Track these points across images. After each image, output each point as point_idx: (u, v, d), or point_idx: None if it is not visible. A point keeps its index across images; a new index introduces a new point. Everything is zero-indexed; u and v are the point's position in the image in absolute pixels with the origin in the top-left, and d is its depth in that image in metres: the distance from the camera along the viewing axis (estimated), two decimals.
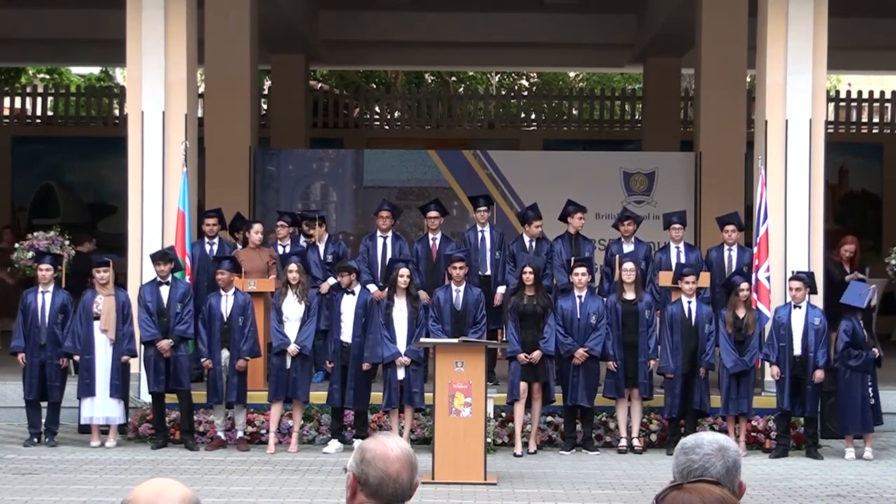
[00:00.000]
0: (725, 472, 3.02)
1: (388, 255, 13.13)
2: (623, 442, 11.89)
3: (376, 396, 11.89)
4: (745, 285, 12.06)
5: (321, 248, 13.34)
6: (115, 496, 9.45)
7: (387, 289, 12.05)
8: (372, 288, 12.78)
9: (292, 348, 11.65)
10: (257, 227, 13.35)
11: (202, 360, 11.76)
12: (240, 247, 13.69)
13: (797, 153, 13.07)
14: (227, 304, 11.86)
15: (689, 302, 11.94)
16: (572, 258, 12.50)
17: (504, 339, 12.50)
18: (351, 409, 11.79)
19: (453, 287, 11.81)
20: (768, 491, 10.01)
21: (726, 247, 13.28)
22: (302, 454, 11.53)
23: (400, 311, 11.59)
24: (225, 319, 11.81)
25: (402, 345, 11.49)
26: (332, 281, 12.52)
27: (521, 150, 20.82)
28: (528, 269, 11.79)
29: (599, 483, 10.35)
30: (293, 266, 11.85)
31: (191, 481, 10.01)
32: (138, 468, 10.72)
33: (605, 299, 12.21)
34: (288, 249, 13.20)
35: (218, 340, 11.76)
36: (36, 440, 11.88)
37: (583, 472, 10.81)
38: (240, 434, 11.86)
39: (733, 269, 13.16)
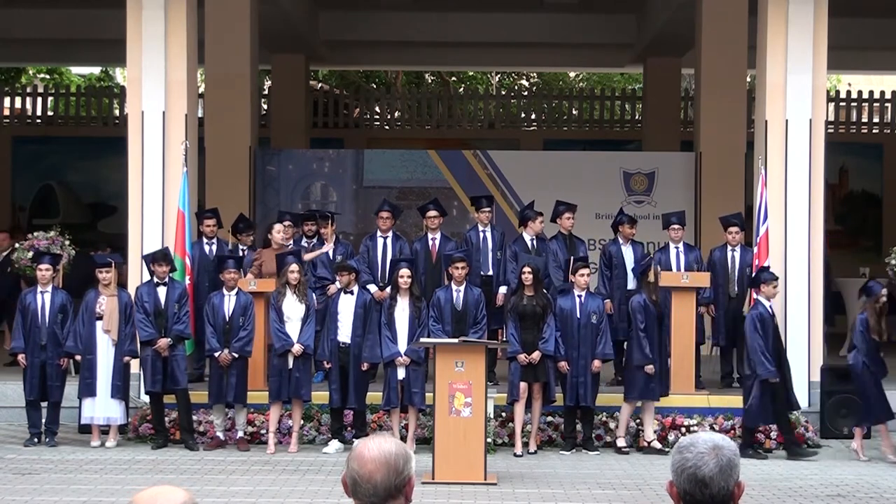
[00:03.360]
0: (719, 471, 3.04)
1: (389, 256, 13.14)
2: (622, 441, 11.84)
3: (376, 396, 11.89)
4: (884, 292, 12.02)
5: (330, 247, 13.34)
6: (115, 496, 9.45)
7: (389, 289, 12.03)
8: (372, 288, 12.78)
9: (297, 348, 11.66)
10: (278, 227, 13.28)
11: (217, 354, 11.69)
12: (241, 247, 13.68)
13: (797, 153, 13.07)
14: (229, 303, 11.86)
15: (771, 305, 11.80)
16: (571, 258, 12.49)
17: (504, 339, 12.50)
18: (353, 408, 11.78)
19: (453, 287, 11.80)
20: (768, 491, 10.00)
21: (729, 247, 13.29)
22: (302, 454, 11.53)
23: (402, 311, 11.59)
24: (227, 319, 11.81)
25: (403, 345, 11.49)
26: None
27: (521, 150, 20.84)
28: (526, 269, 11.78)
29: (599, 483, 10.34)
30: (295, 266, 11.86)
31: (191, 481, 10.02)
32: (138, 468, 10.72)
33: (629, 301, 12.10)
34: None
35: (221, 340, 11.76)
36: (36, 440, 11.88)
37: (583, 472, 10.80)
38: (240, 434, 11.85)
39: (736, 270, 13.18)
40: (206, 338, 11.90)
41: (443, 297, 11.76)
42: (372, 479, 2.97)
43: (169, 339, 11.77)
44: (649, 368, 11.68)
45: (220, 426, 11.88)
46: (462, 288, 11.78)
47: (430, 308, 11.74)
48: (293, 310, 11.76)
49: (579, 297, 11.91)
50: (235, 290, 11.93)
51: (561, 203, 13.49)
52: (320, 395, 12.03)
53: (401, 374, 11.48)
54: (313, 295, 12.34)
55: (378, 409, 11.88)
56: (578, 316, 11.84)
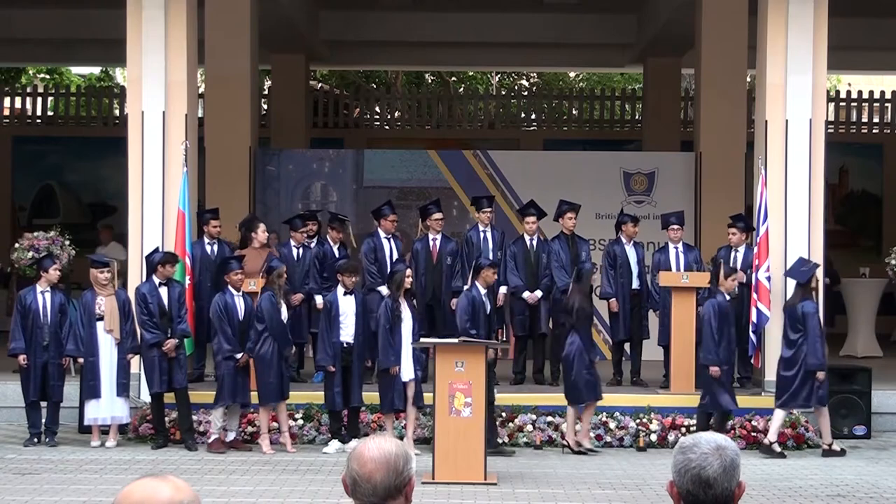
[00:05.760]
0: (722, 472, 3.04)
1: (395, 257, 13.18)
2: (777, 448, 11.72)
3: (372, 396, 11.86)
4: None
5: (335, 250, 13.37)
6: (115, 496, 9.43)
7: (390, 290, 11.94)
8: (384, 290, 12.76)
9: (292, 350, 11.74)
10: (263, 226, 13.34)
11: (240, 357, 11.61)
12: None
13: (797, 153, 13.06)
14: (241, 304, 11.84)
15: None
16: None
17: (504, 339, 12.49)
18: (355, 407, 11.76)
19: (481, 289, 11.73)
20: (768, 491, 10.01)
21: (733, 247, 13.30)
22: (302, 454, 11.53)
23: (406, 312, 11.57)
24: (240, 319, 11.79)
25: (408, 347, 11.42)
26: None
27: (521, 150, 20.83)
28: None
29: (599, 483, 10.35)
30: (284, 267, 11.94)
31: (191, 481, 9.93)
32: (138, 468, 10.71)
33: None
34: (301, 252, 13.38)
35: (238, 341, 11.73)
36: (36, 440, 11.88)
37: (583, 472, 10.81)
38: (232, 436, 11.80)
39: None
40: (218, 340, 11.74)
41: (476, 300, 11.64)
42: (372, 479, 2.98)
43: (176, 341, 11.77)
44: (821, 375, 11.64)
45: (217, 427, 11.81)
46: (486, 290, 11.78)
47: (458, 311, 11.59)
48: (283, 311, 11.80)
49: (730, 302, 11.83)
50: (240, 291, 11.94)
51: (564, 202, 13.51)
52: (321, 396, 12.03)
53: (407, 375, 11.42)
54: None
55: (378, 410, 11.88)
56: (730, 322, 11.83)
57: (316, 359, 12.15)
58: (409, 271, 11.66)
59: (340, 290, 11.81)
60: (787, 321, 11.94)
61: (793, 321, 11.82)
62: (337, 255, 13.19)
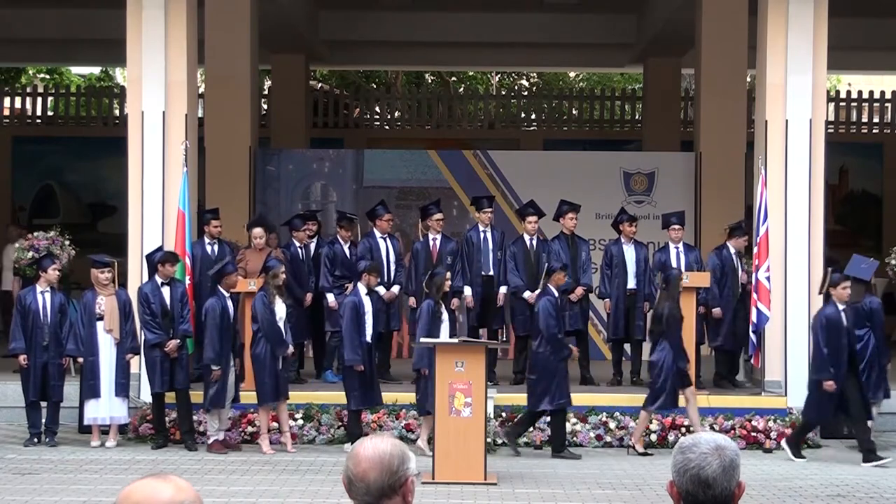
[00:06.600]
0: (722, 472, 3.04)
1: (392, 257, 13.18)
2: None
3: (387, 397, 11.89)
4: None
5: (346, 249, 13.38)
6: (115, 496, 9.42)
7: (430, 293, 11.88)
8: (381, 290, 12.75)
9: (290, 350, 11.73)
10: (257, 230, 13.35)
11: (213, 368, 11.55)
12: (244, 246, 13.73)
13: (797, 153, 13.06)
14: (230, 307, 11.85)
15: None
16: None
17: (504, 339, 12.48)
18: (368, 407, 11.75)
19: (554, 291, 11.73)
20: (768, 491, 10.01)
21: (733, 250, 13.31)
22: (302, 454, 11.52)
23: (445, 315, 11.56)
24: (230, 320, 11.80)
25: None
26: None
27: (521, 150, 20.84)
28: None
29: (599, 483, 10.35)
30: (283, 267, 11.96)
31: (191, 481, 9.96)
32: (138, 468, 10.71)
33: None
34: (303, 252, 13.39)
35: (230, 344, 11.73)
36: (36, 440, 11.88)
37: (583, 472, 10.81)
38: (222, 436, 11.78)
39: (740, 271, 13.20)
40: (210, 343, 11.71)
41: (555, 303, 11.63)
42: (365, 478, 2.97)
43: (178, 341, 11.76)
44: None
45: (214, 429, 11.75)
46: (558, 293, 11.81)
47: (543, 315, 11.58)
48: (281, 310, 11.81)
49: (843, 311, 11.76)
50: (229, 293, 11.95)
51: (565, 202, 13.52)
52: (321, 396, 12.02)
53: None
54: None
55: (376, 411, 11.88)
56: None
57: (344, 358, 11.84)
58: (448, 274, 11.67)
59: (363, 289, 11.77)
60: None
61: (858, 317, 11.91)
62: (348, 254, 13.23)
